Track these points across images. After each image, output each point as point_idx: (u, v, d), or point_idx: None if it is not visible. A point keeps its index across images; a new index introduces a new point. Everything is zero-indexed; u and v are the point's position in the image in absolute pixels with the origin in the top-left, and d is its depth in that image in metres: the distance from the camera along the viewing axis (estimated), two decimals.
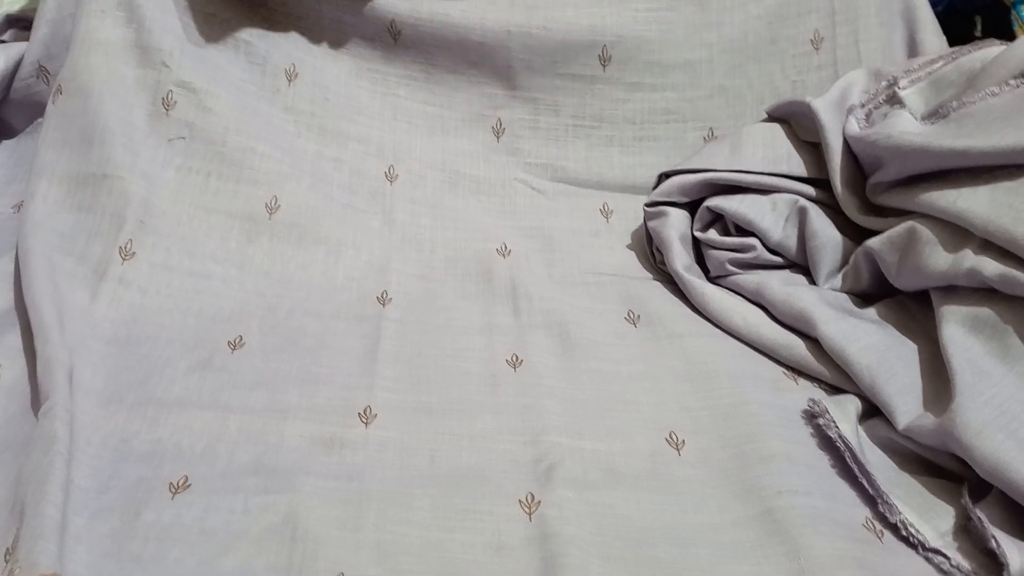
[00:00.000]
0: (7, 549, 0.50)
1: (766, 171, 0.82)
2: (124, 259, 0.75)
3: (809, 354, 0.72)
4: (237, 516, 0.55)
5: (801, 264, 0.81)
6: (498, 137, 0.95)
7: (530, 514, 0.57)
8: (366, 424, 0.64)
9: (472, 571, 0.53)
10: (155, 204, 0.79)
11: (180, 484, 0.57)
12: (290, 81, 0.90)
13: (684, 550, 0.56)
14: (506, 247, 0.87)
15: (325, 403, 0.66)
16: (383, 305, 0.77)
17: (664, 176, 0.86)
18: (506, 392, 0.69)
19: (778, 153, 0.83)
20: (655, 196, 0.86)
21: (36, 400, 0.61)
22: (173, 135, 0.83)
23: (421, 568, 0.53)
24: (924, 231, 0.69)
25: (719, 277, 0.83)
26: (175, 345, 0.69)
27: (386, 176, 0.90)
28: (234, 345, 0.70)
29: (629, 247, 0.90)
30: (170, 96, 0.84)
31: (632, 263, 0.88)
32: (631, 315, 0.79)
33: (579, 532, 0.56)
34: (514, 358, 0.72)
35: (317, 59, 0.91)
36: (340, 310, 0.76)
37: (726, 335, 0.77)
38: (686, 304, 0.82)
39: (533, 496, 0.59)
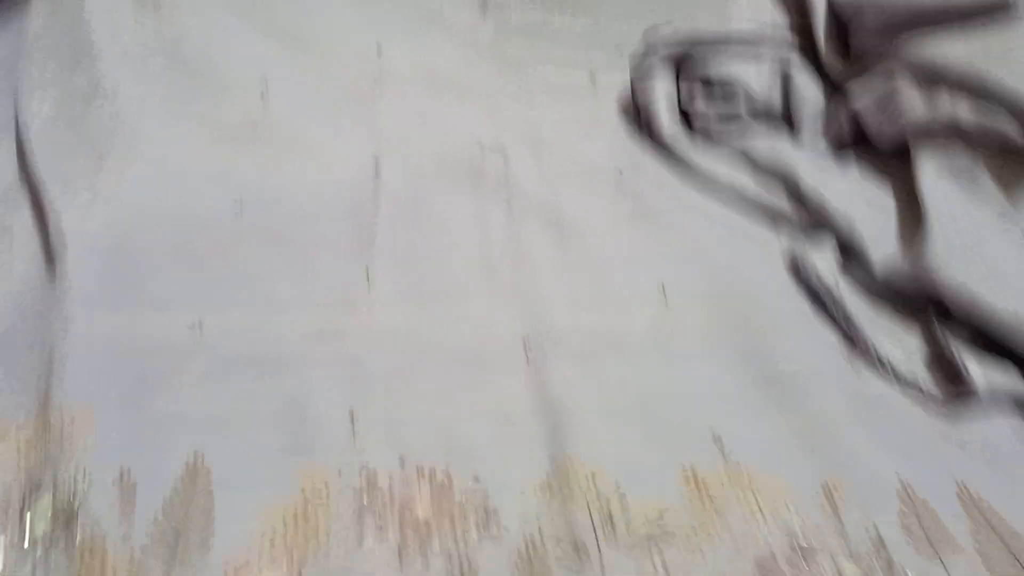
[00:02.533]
0: (37, 390, 0.53)
1: (750, 26, 0.82)
2: (108, 172, 0.73)
3: (789, 205, 0.74)
4: (241, 402, 0.56)
5: (784, 120, 0.83)
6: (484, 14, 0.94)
7: (532, 389, 0.60)
8: (359, 317, 0.64)
9: (481, 438, 0.56)
10: (139, 120, 0.76)
11: (171, 374, 0.58)
12: None
13: (673, 371, 0.60)
14: (497, 142, 0.83)
15: (319, 298, 0.65)
16: (374, 206, 0.74)
17: (648, 37, 0.87)
18: (501, 278, 0.69)
19: (761, 6, 0.83)
20: (639, 58, 0.86)
21: (49, 258, 0.63)
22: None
23: (429, 438, 0.55)
24: (903, 82, 0.71)
25: (704, 135, 0.84)
26: (161, 248, 0.68)
27: (371, 79, 0.86)
28: (222, 248, 0.69)
29: (616, 110, 0.91)
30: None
31: (619, 125, 0.89)
32: (618, 173, 0.81)
33: (583, 399, 0.58)
34: (508, 248, 0.72)
35: None
36: (329, 211, 0.73)
37: (713, 194, 0.79)
38: (673, 163, 0.83)
39: (536, 370, 0.61)
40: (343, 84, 0.86)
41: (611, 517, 0.50)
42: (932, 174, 0.67)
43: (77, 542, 0.44)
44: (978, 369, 0.57)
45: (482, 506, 0.50)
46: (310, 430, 0.55)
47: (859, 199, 0.71)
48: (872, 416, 0.57)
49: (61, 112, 0.75)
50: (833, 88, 0.81)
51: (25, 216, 0.68)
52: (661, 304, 0.68)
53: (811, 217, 0.73)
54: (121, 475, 0.49)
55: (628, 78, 0.88)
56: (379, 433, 0.55)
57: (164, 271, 0.66)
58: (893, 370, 0.61)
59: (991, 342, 0.59)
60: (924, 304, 0.65)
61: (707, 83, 0.84)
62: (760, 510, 0.51)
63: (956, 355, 0.58)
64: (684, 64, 0.84)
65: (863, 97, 0.75)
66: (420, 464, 0.52)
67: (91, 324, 0.58)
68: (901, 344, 0.62)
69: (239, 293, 0.65)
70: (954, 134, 0.67)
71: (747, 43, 0.82)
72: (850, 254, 0.70)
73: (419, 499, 0.50)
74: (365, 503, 0.50)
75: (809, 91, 0.80)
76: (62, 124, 0.75)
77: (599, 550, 0.48)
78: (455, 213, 0.76)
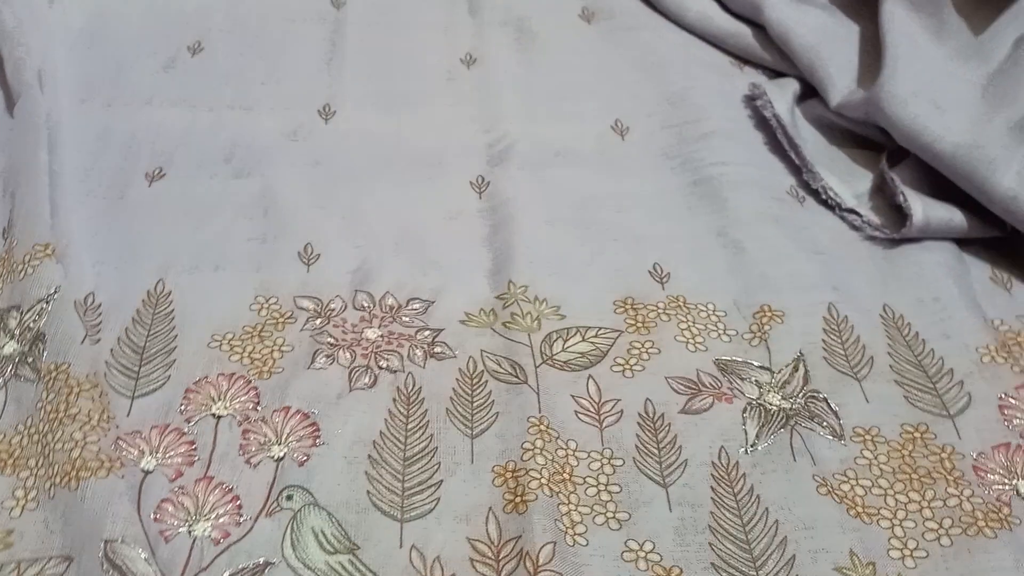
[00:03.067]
0: (3, 229, 0.55)
1: None
2: None
3: (755, 41, 0.74)
4: (215, 195, 0.60)
5: None
6: None
7: (480, 193, 0.62)
8: (326, 120, 0.68)
9: (431, 233, 0.59)
10: None
11: (155, 174, 0.61)
12: None
13: (622, 213, 0.62)
14: None
15: (289, 98, 0.69)
16: (338, 8, 0.78)
17: None
18: (464, 84, 0.72)
19: None
20: None
21: (10, 101, 0.64)
22: None
23: (384, 232, 0.59)
24: None
25: None
26: (140, 44, 0.72)
27: None
28: (194, 49, 0.72)
29: None
30: None
31: None
32: (585, 12, 0.80)
33: (528, 201, 0.61)
34: (468, 56, 0.75)
35: None
36: (299, 10, 0.78)
37: (680, 28, 0.79)
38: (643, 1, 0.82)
39: (483, 178, 0.63)
40: None
41: (550, 340, 0.52)
42: (896, 7, 0.66)
43: (43, 359, 0.47)
44: (919, 205, 0.58)
45: (428, 328, 0.53)
46: (270, 249, 0.57)
47: (826, 31, 0.71)
48: (809, 246, 0.59)
49: None
50: None
51: None
52: (611, 120, 0.70)
53: (777, 53, 0.72)
54: (86, 299, 0.52)
55: None
56: (334, 256, 0.57)
57: (144, 66, 0.70)
58: (835, 198, 0.62)
59: (940, 188, 0.60)
60: (877, 137, 0.66)
61: None
62: (692, 337, 0.53)
63: (898, 189, 0.59)
64: None
65: None
66: (372, 289, 0.55)
67: (56, 162, 0.60)
68: (849, 184, 0.63)
69: (216, 93, 0.69)
70: None
71: None
72: (811, 90, 0.70)
73: (370, 321, 0.53)
74: (318, 324, 0.53)
75: None
76: None
77: (535, 369, 0.51)
78: (422, 15, 0.79)
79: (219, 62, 0.71)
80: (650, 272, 0.57)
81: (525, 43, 0.77)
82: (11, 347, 0.49)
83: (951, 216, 0.58)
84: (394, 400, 0.49)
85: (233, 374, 0.49)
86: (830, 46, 0.69)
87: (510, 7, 0.80)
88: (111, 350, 0.50)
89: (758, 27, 0.74)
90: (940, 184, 0.60)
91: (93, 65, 0.69)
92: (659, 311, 0.55)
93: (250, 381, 0.49)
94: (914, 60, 0.63)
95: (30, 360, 0.48)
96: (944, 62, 0.63)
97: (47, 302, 0.50)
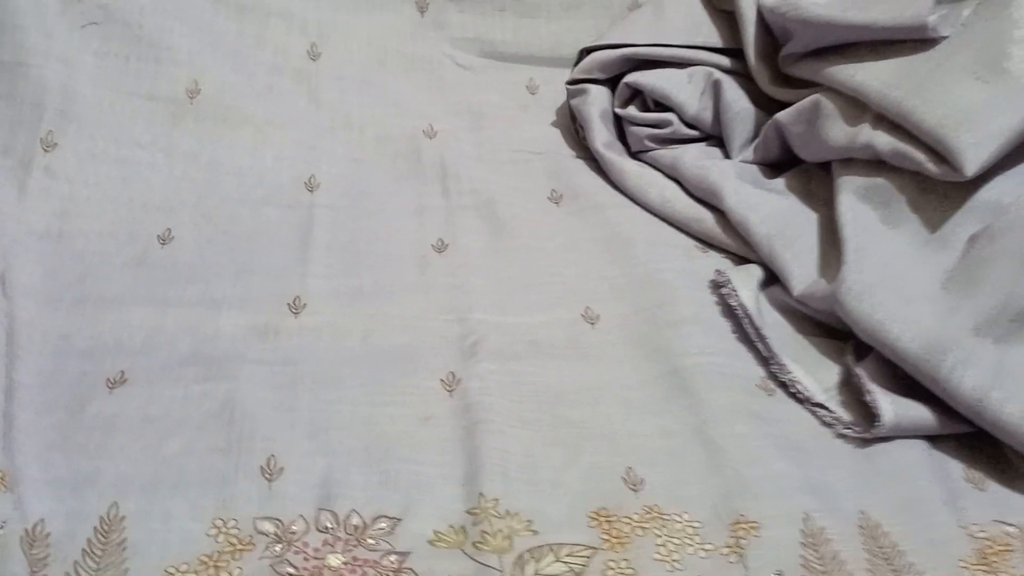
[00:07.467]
0: None
1: (683, 43, 0.83)
2: (47, 150, 0.75)
3: (717, 227, 0.75)
4: (178, 404, 0.59)
5: (717, 136, 0.83)
6: (422, 12, 0.94)
7: (451, 391, 0.62)
8: (296, 314, 0.67)
9: (401, 440, 0.58)
10: (75, 90, 0.79)
11: (117, 379, 0.60)
12: None
13: (596, 409, 0.61)
14: (433, 128, 0.87)
15: (258, 293, 0.68)
16: (312, 191, 0.79)
17: (585, 52, 0.87)
18: (435, 273, 0.72)
19: (696, 23, 0.84)
20: (576, 73, 0.87)
21: None
22: (86, 20, 0.82)
23: (351, 440, 0.57)
24: (827, 104, 0.72)
25: (639, 152, 0.85)
26: (108, 239, 0.71)
27: (309, 54, 0.89)
28: (164, 239, 0.72)
29: (554, 124, 0.91)
30: None
31: (558, 139, 0.90)
32: (554, 194, 0.82)
33: (499, 400, 0.60)
34: (439, 243, 0.75)
35: None
36: (271, 196, 0.78)
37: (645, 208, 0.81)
38: (608, 180, 0.84)
39: (454, 375, 0.63)
40: (284, 53, 0.89)
41: (521, 563, 0.50)
42: (850, 200, 0.67)
43: None
44: (888, 406, 0.58)
45: (395, 551, 0.51)
46: (232, 465, 0.55)
47: (786, 219, 0.72)
48: (785, 444, 0.58)
49: None
50: (765, 104, 0.81)
51: None
52: (582, 306, 0.69)
53: (740, 240, 0.74)
54: (34, 528, 0.50)
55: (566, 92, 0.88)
56: (299, 469, 0.55)
57: (111, 263, 0.69)
58: (803, 392, 0.62)
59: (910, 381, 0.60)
60: (842, 327, 0.66)
61: (642, 100, 0.85)
62: (669, 554, 0.52)
63: (865, 387, 0.59)
64: (619, 82, 0.84)
65: (791, 117, 0.75)
66: (337, 507, 0.53)
67: (15, 371, 0.59)
68: (817, 377, 0.63)
69: (184, 290, 0.68)
70: (873, 159, 0.68)
71: (679, 61, 0.82)
72: (774, 275, 0.71)
73: (332, 546, 0.51)
74: (278, 551, 0.50)
75: (740, 106, 0.81)
76: None
77: None
78: (393, 201, 0.79)
79: (188, 256, 0.71)
80: (623, 478, 0.56)
81: (495, 228, 0.77)
82: None
83: (922, 415, 0.58)
84: None
85: None
86: (789, 234, 0.70)
87: (480, 191, 0.81)
88: None
89: (721, 212, 0.76)
90: (910, 378, 0.60)
91: (59, 264, 0.68)
92: (633, 524, 0.53)
93: None
94: (874, 250, 0.64)
95: None
96: (903, 250, 0.64)
97: None
